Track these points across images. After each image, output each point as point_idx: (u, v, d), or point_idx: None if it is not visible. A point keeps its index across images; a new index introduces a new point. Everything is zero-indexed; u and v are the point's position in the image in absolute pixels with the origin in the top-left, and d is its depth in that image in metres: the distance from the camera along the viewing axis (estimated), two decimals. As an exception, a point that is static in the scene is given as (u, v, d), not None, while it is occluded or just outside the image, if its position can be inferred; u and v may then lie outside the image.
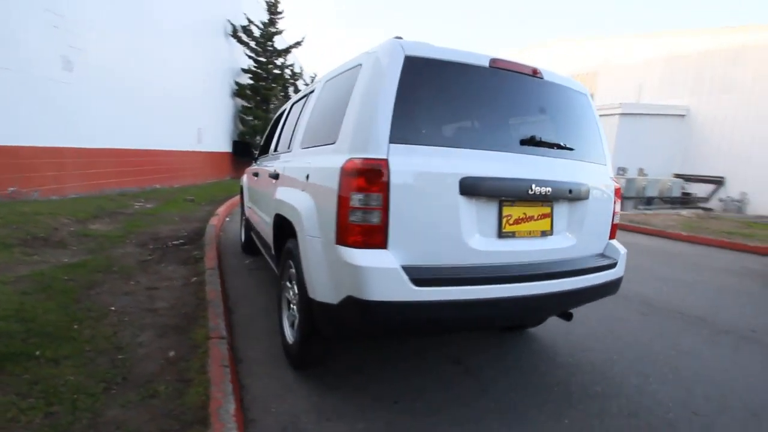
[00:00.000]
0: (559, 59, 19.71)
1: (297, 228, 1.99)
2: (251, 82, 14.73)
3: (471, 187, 1.73)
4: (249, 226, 4.30)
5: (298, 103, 3.04)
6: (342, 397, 1.97)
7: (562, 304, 2.04)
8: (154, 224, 5.79)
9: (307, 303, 1.91)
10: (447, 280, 1.66)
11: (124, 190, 8.38)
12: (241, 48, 14.33)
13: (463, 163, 1.76)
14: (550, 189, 1.89)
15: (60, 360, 2.03)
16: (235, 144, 6.01)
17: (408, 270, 1.59)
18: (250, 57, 14.62)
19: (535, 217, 1.94)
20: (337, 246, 1.68)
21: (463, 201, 1.72)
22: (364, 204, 1.61)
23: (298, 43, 15.54)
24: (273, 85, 15.15)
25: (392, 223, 1.62)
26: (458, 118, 1.88)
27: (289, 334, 2.28)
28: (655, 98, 15.51)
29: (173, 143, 10.26)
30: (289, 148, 2.66)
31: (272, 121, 4.07)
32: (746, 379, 2.37)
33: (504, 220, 1.85)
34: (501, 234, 1.85)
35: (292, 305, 2.27)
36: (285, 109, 3.44)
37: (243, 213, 5.00)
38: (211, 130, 12.41)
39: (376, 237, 1.63)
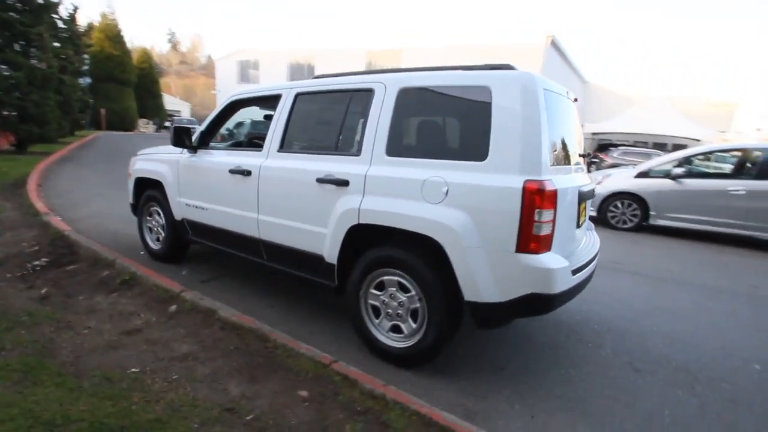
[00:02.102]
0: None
1: (445, 241, 2.10)
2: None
3: (583, 195, 2.30)
4: (183, 230, 3.57)
5: (333, 98, 2.77)
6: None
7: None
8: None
9: (453, 305, 2.15)
10: (579, 267, 2.22)
11: None
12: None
13: (570, 178, 2.29)
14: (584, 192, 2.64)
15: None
16: None
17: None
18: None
19: (583, 212, 2.67)
20: (518, 254, 1.97)
21: (577, 206, 2.27)
22: (543, 218, 1.95)
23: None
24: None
25: (556, 230, 2.04)
26: (558, 139, 2.36)
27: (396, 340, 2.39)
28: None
29: None
30: (357, 152, 2.47)
31: (229, 102, 3.41)
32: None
33: (579, 216, 2.51)
34: (578, 225, 2.50)
35: (399, 312, 2.36)
36: (285, 96, 2.91)
37: (143, 213, 4.02)
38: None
39: (547, 243, 2.01)
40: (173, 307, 2.84)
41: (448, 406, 2.03)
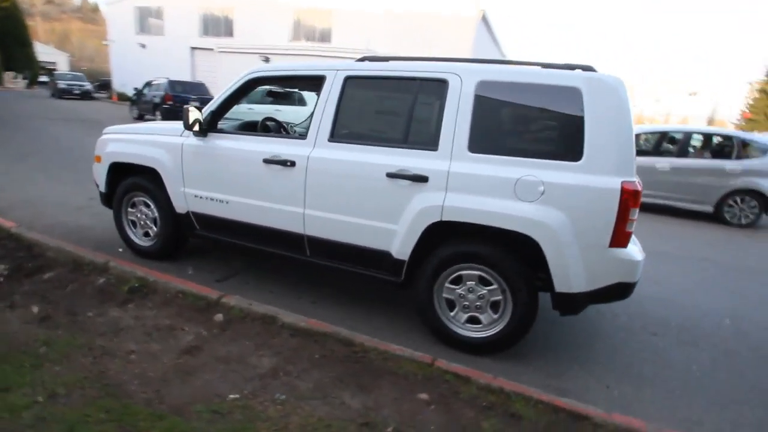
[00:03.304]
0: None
1: (541, 238, 2.18)
2: None
3: None
4: (188, 224, 3.16)
5: (397, 86, 2.57)
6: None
7: None
8: None
9: (530, 297, 2.32)
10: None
11: None
12: None
13: None
14: None
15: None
16: None
17: None
18: None
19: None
20: (611, 248, 2.16)
21: None
22: (634, 216, 2.15)
23: None
24: None
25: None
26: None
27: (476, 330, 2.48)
28: (381, 47, 18.46)
29: None
30: (433, 146, 2.37)
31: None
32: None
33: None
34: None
35: (477, 305, 2.43)
36: (331, 79, 2.63)
37: (121, 204, 3.46)
38: None
39: (631, 238, 2.23)
40: (219, 316, 2.55)
41: (543, 388, 2.22)
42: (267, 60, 17.28)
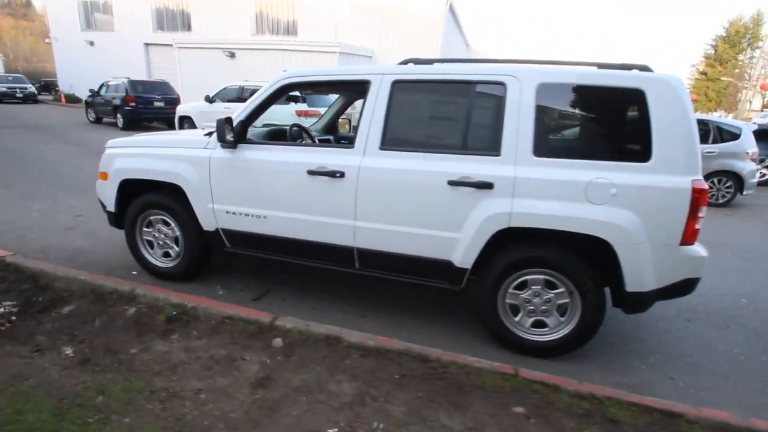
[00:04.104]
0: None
1: (614, 239, 2.18)
2: None
3: None
4: (217, 241, 2.96)
5: (450, 90, 2.47)
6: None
7: None
8: None
9: (597, 298, 2.33)
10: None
11: None
12: None
13: None
14: None
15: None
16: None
17: None
18: None
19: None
20: (682, 246, 2.20)
21: None
22: (703, 214, 2.20)
23: None
24: None
25: None
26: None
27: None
28: (348, 39, 18.14)
29: None
30: (495, 152, 2.30)
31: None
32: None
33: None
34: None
35: (544, 309, 2.42)
36: (377, 84, 2.50)
37: (135, 224, 3.18)
38: None
39: (698, 236, 2.28)
40: (278, 341, 2.39)
41: (615, 386, 2.25)
42: (233, 55, 16.53)
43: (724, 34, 36.37)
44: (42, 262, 3.21)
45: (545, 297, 2.44)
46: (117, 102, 12.94)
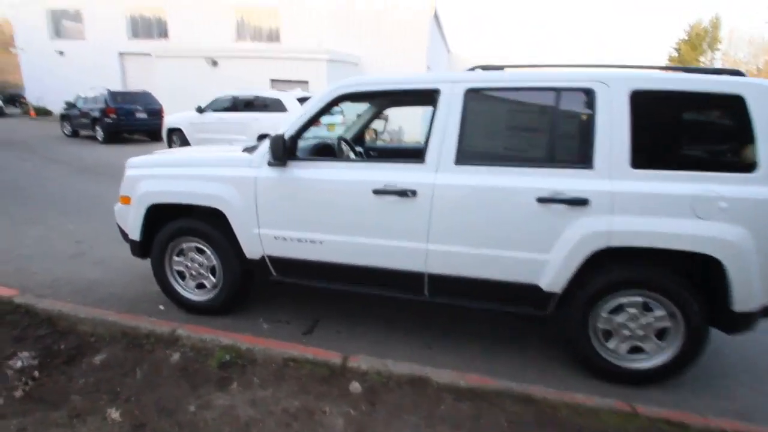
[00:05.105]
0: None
1: (725, 256, 2.01)
2: None
3: None
4: (262, 269, 2.66)
5: (529, 98, 2.26)
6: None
7: None
8: None
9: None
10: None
11: None
12: None
13: None
14: None
15: None
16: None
17: None
18: None
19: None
20: (797, 261, 2.05)
21: None
22: (813, 224, 2.06)
23: None
24: None
25: None
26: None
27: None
28: (332, 46, 17.85)
29: None
30: (587, 164, 2.09)
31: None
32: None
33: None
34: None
35: (641, 334, 2.23)
36: (447, 92, 2.27)
37: (164, 253, 2.84)
38: None
39: None
40: (356, 386, 2.11)
41: (722, 412, 2.09)
42: (215, 64, 16.00)
43: (686, 38, 37.99)
44: (56, 301, 2.81)
45: (643, 321, 2.25)
46: (96, 114, 12.24)
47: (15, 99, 24.23)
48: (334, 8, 17.89)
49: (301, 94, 9.82)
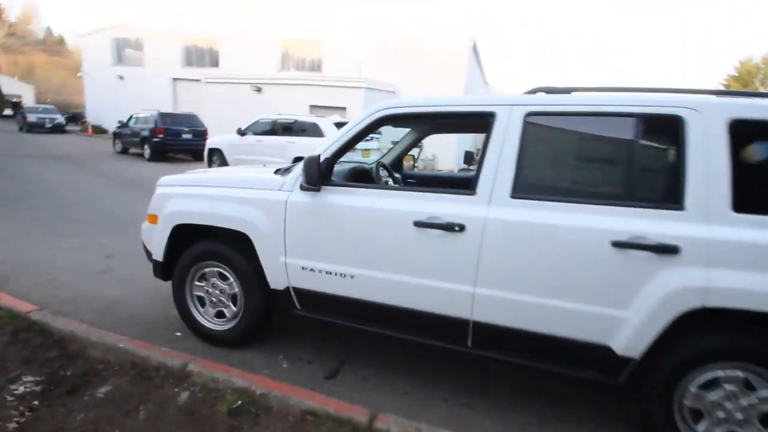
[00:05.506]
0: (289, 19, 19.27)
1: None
2: None
3: None
4: (286, 301, 2.41)
5: (602, 125, 1.97)
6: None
7: None
8: None
9: None
10: None
11: None
12: None
13: None
14: None
15: None
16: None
17: None
18: None
19: None
20: None
21: None
22: None
23: None
24: None
25: None
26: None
27: None
28: (371, 75, 18.19)
29: None
30: (677, 204, 1.74)
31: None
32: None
33: None
34: None
35: (750, 413, 1.78)
36: (504, 116, 2.02)
37: (186, 276, 2.64)
38: None
39: None
40: (383, 452, 1.77)
41: None
42: (259, 90, 16.64)
43: (735, 74, 36.25)
44: (71, 321, 2.66)
45: (744, 402, 1.80)
46: (146, 133, 12.87)
47: (77, 118, 26.26)
48: (374, 40, 18.36)
49: (339, 119, 9.88)
